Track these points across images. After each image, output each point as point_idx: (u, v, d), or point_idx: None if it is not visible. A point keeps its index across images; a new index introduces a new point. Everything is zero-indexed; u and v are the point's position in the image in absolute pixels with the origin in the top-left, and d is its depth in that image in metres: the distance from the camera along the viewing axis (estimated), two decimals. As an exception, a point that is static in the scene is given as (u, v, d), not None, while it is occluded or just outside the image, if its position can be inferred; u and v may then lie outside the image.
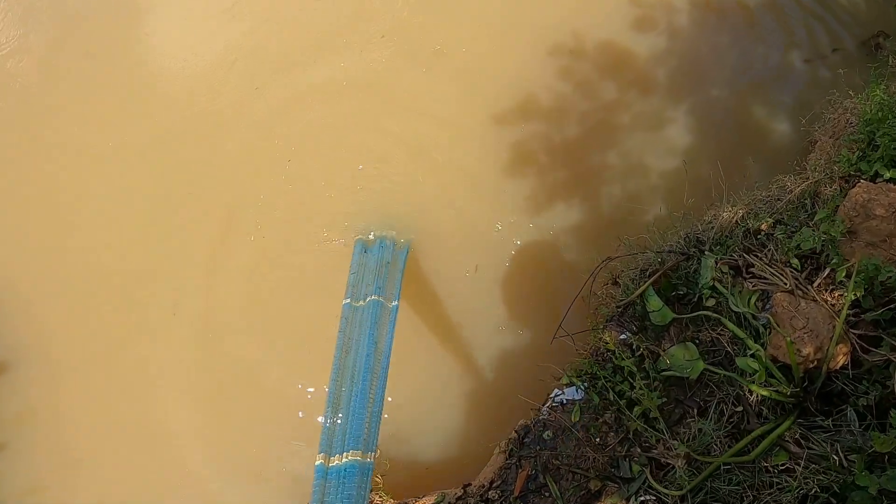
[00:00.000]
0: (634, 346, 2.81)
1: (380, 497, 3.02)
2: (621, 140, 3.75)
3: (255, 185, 3.96)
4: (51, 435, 3.51)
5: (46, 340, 3.72)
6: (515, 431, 2.92)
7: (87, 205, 4.06)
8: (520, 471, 2.79)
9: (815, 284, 2.65)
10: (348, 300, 3.25)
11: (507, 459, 2.87)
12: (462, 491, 2.89)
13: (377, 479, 3.05)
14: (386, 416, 3.15)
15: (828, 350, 2.48)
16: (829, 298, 2.60)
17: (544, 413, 2.90)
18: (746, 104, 3.76)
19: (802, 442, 2.44)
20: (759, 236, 2.88)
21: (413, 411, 3.29)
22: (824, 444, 2.37)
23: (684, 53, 3.94)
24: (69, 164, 4.20)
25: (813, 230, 2.73)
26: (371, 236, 3.62)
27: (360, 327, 3.09)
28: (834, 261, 2.64)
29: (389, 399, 3.21)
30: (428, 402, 3.27)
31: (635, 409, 2.64)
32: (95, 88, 4.45)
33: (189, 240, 3.86)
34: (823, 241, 2.67)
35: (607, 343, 2.83)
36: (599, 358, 2.88)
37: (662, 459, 2.57)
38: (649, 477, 2.55)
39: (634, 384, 2.69)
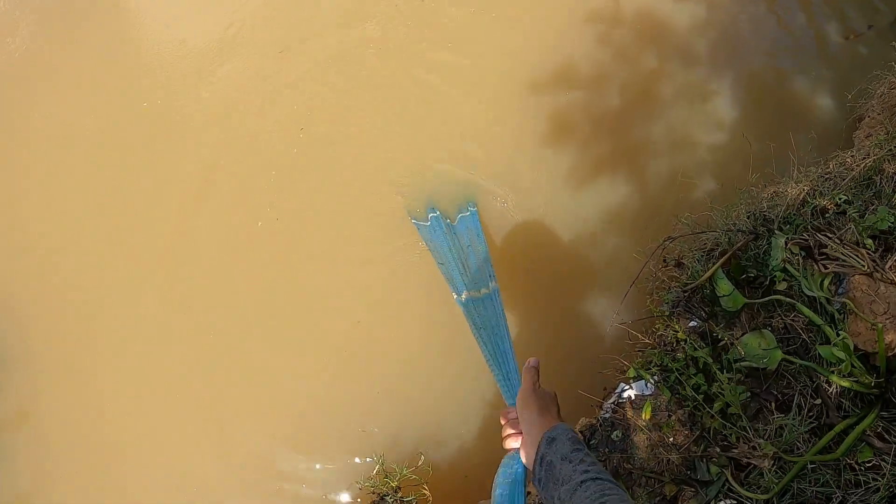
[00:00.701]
0: (707, 335, 2.59)
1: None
2: (665, 112, 3.52)
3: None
4: (38, 441, 3.14)
5: (33, 340, 3.32)
6: (581, 432, 2.67)
7: (86, 198, 3.69)
8: (589, 477, 2.56)
9: (888, 266, 2.49)
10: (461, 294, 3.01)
11: (573, 464, 2.63)
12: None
13: (425, 489, 2.78)
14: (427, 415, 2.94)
15: (910, 337, 2.33)
16: (902, 281, 2.46)
17: (608, 410, 2.66)
18: (788, 78, 3.58)
19: (886, 436, 2.26)
20: (826, 215, 2.70)
21: (455, 411, 3.01)
22: None
23: (724, 24, 3.73)
24: (57, 155, 3.83)
25: (890, 209, 2.57)
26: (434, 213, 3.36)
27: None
28: (910, 242, 2.49)
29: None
30: (473, 401, 2.99)
31: (716, 404, 2.42)
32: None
33: (190, 229, 3.51)
34: (902, 220, 2.52)
35: (677, 331, 2.61)
36: (668, 348, 2.65)
37: (744, 460, 2.37)
38: (730, 479, 2.33)
39: (712, 377, 2.48)
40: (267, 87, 3.88)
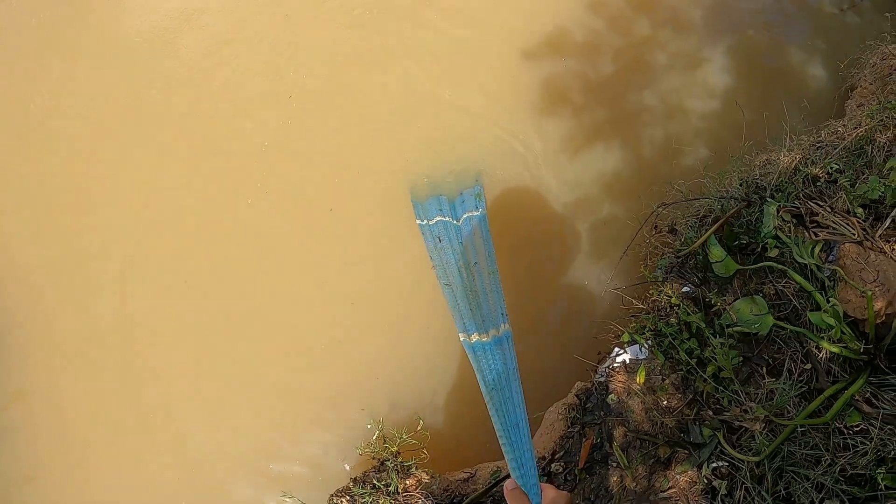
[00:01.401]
0: (700, 300, 2.63)
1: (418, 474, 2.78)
2: (659, 80, 3.51)
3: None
4: (48, 418, 3.11)
5: (46, 313, 3.28)
6: (576, 396, 2.70)
7: (73, 179, 3.58)
8: (584, 440, 2.58)
9: (878, 234, 2.53)
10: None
11: (568, 427, 2.64)
12: (519, 464, 2.67)
13: (424, 453, 2.80)
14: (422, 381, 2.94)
15: (899, 305, 2.37)
16: (892, 250, 2.49)
17: (603, 375, 2.70)
18: (782, 47, 3.58)
19: (874, 401, 2.31)
20: (817, 183, 2.73)
21: (451, 375, 3.03)
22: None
23: (717, -10, 3.72)
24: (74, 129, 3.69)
25: (881, 178, 2.60)
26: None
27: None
28: (899, 211, 2.53)
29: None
30: (466, 366, 3.01)
31: (709, 368, 2.46)
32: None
33: (190, 207, 3.45)
34: (893, 189, 2.55)
35: (670, 297, 2.64)
36: (661, 313, 2.69)
37: (735, 423, 2.41)
38: (722, 441, 2.38)
39: (705, 342, 2.52)
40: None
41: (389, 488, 2.66)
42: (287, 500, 2.83)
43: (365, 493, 2.67)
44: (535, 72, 3.59)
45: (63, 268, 3.35)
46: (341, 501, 2.72)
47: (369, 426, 2.90)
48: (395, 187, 3.35)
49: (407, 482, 2.71)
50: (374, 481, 2.71)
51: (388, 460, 2.74)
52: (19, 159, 3.59)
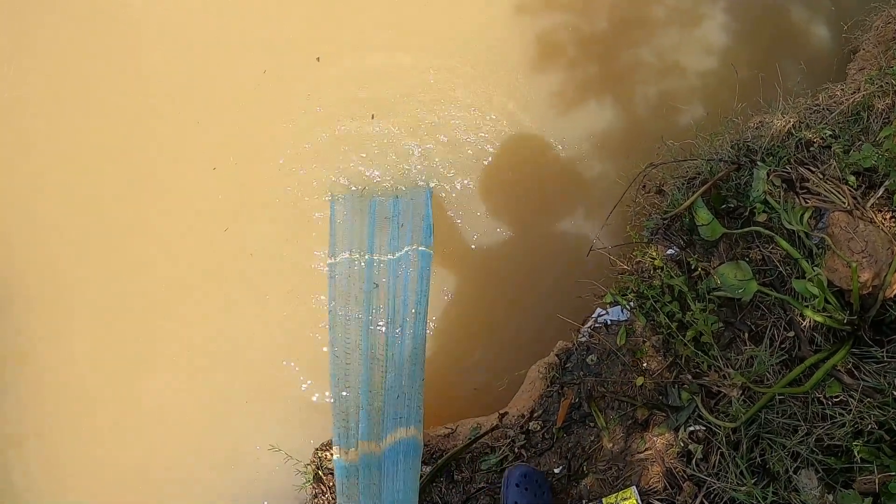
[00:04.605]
0: (684, 263, 2.60)
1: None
2: (655, 36, 3.42)
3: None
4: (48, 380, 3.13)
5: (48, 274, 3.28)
6: (556, 356, 2.69)
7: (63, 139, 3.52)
8: (562, 399, 2.57)
9: (869, 204, 2.49)
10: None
11: (547, 386, 2.64)
12: (498, 421, 2.67)
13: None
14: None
15: (885, 277, 2.32)
16: (883, 220, 2.46)
17: (585, 335, 2.69)
18: (784, 5, 3.47)
19: (855, 373, 2.29)
20: (811, 148, 2.68)
21: (434, 333, 3.02)
22: (878, 377, 2.23)
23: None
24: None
25: (875, 147, 2.55)
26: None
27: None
28: (892, 181, 2.48)
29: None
30: (450, 323, 3.00)
31: (689, 332, 2.45)
32: None
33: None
34: (886, 159, 2.50)
35: (654, 259, 2.62)
36: (645, 275, 2.66)
37: (714, 388, 2.41)
38: (700, 406, 2.37)
39: (687, 305, 2.50)
40: None
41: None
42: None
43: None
44: (528, 26, 3.49)
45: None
46: (326, 455, 2.76)
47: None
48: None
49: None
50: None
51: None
52: None
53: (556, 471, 2.51)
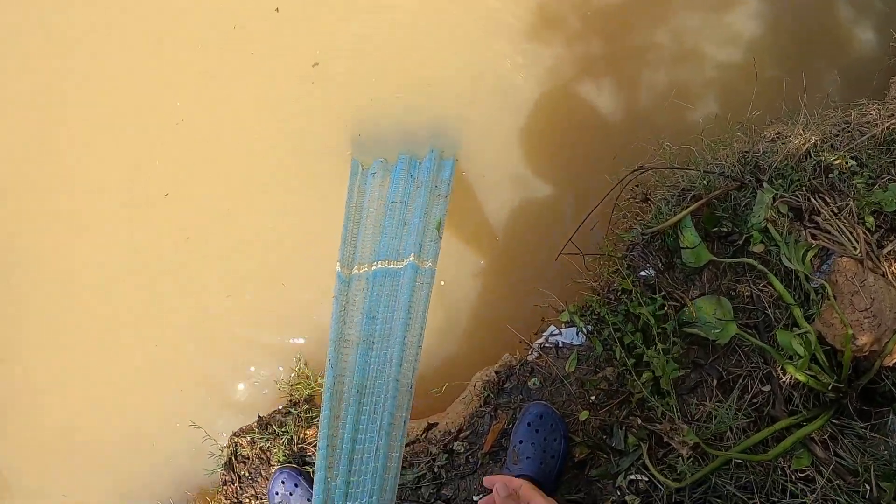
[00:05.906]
0: (657, 289, 2.27)
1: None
2: (676, 15, 2.96)
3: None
4: None
5: None
6: (496, 372, 2.40)
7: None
8: (494, 422, 2.30)
9: (885, 252, 2.15)
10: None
11: (480, 406, 2.36)
12: (423, 434, 2.41)
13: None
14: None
15: (887, 344, 2.01)
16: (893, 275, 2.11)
17: (534, 353, 2.38)
18: (829, -1, 3.03)
19: (831, 445, 2.01)
20: (829, 175, 2.31)
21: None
22: (855, 455, 1.96)
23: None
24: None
25: (904, 189, 2.19)
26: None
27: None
28: (917, 231, 2.13)
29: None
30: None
31: (645, 374, 2.14)
32: None
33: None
34: (914, 204, 2.15)
35: (624, 279, 2.28)
36: (611, 296, 2.34)
37: (665, 438, 2.11)
38: (645, 455, 2.09)
39: (649, 343, 2.18)
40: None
41: (284, 438, 2.52)
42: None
43: (263, 437, 2.54)
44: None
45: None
46: (241, 442, 2.59)
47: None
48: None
49: (307, 432, 2.53)
50: (275, 427, 2.56)
51: (297, 405, 2.62)
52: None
53: (476, 499, 2.25)
